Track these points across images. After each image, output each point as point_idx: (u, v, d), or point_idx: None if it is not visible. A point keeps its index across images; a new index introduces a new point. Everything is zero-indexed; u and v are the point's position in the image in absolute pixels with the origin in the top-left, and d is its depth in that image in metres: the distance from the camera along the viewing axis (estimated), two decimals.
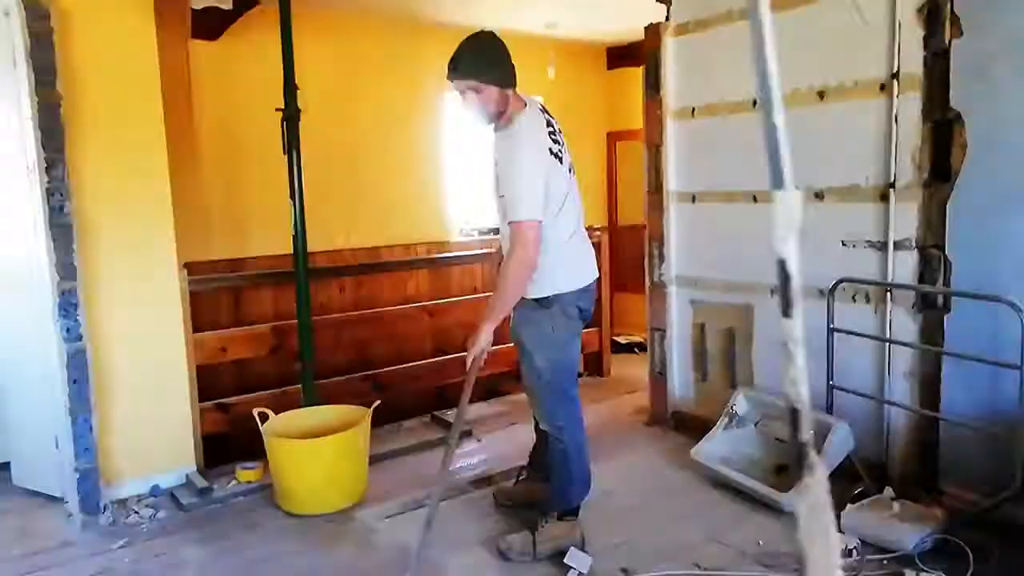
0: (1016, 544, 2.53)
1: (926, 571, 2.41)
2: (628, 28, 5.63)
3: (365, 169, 5.34)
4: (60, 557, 2.84)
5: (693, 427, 3.87)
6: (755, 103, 3.46)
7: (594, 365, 5.28)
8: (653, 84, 3.89)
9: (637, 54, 6.24)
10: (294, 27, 3.44)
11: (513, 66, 2.57)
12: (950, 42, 2.77)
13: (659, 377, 4.10)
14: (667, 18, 3.85)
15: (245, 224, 4.85)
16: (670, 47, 3.83)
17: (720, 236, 3.72)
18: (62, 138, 2.97)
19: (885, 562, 2.54)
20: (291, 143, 3.45)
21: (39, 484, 3.40)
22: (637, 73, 6.37)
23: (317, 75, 4.65)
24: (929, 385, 2.96)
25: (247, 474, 3.44)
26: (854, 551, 2.56)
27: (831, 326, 3.13)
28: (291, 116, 3.44)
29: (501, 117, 2.56)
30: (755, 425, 3.40)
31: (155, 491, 3.36)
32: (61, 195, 2.98)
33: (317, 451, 3.02)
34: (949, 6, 2.75)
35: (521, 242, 2.45)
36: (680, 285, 3.96)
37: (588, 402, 4.58)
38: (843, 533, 2.62)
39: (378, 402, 3.31)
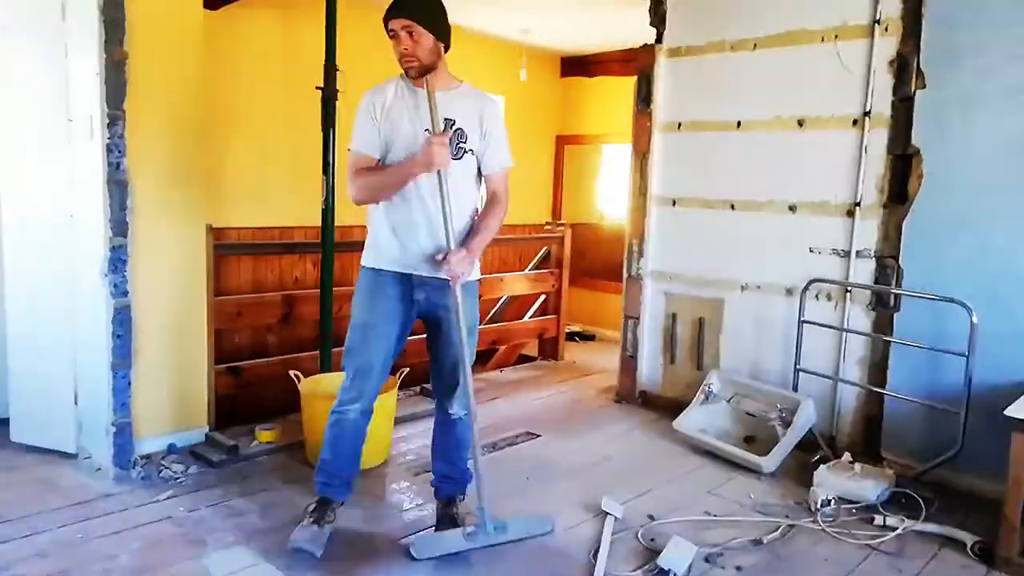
0: (951, 498, 3.19)
1: (891, 516, 3.01)
2: (586, 41, 6.12)
3: None
4: (110, 506, 2.89)
5: (660, 405, 4.40)
6: (739, 124, 4.02)
7: (550, 350, 5.70)
8: (644, 98, 4.36)
9: (589, 65, 6.78)
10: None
11: (450, 28, 2.56)
12: (915, 91, 3.42)
13: (630, 360, 4.58)
14: (658, 40, 4.33)
15: (228, 194, 4.87)
16: (662, 66, 4.31)
17: (698, 237, 4.25)
18: (124, 95, 3.01)
19: (854, 511, 3.12)
20: (327, 122, 3.61)
21: (47, 440, 3.36)
22: (588, 82, 6.91)
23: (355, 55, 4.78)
24: (878, 369, 3.61)
25: (266, 435, 3.57)
26: (831, 502, 3.13)
27: (801, 319, 3.72)
28: (329, 97, 3.61)
29: (428, 72, 2.47)
30: (728, 401, 3.94)
31: (172, 448, 3.42)
32: (120, 152, 3.02)
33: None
34: (915, 62, 3.40)
35: (507, 191, 2.66)
36: (655, 279, 4.46)
37: (554, 383, 5.05)
38: (819, 489, 3.19)
39: (407, 369, 3.55)
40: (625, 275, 4.57)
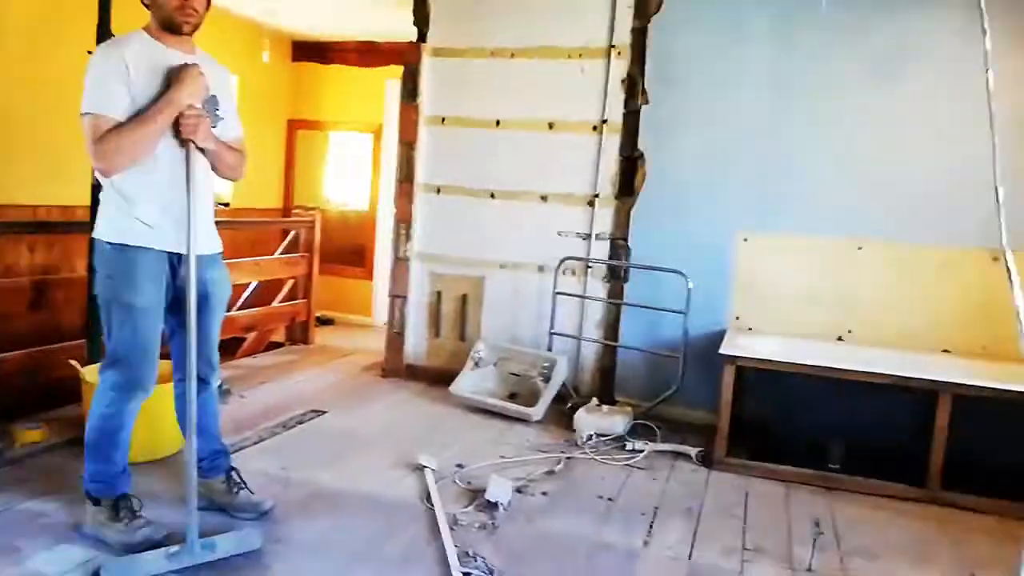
0: (674, 425, 4.11)
1: (637, 441, 3.80)
2: (328, 28, 6.24)
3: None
4: None
5: (427, 376, 4.80)
6: (498, 122, 4.58)
7: (301, 335, 5.74)
8: (411, 92, 4.70)
9: (327, 53, 6.89)
10: None
11: None
12: (641, 106, 4.28)
13: (396, 336, 4.90)
14: (422, 39, 4.69)
15: None
16: (427, 64, 4.69)
17: (461, 222, 4.72)
18: None
19: (608, 441, 3.86)
20: None
21: None
22: (321, 68, 6.97)
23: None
24: (612, 329, 4.44)
25: (31, 434, 3.21)
26: (592, 437, 3.84)
27: (556, 291, 4.41)
28: None
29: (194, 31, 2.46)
30: (494, 365, 4.49)
31: None
32: None
33: (167, 396, 3.07)
34: (641, 83, 4.27)
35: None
36: (422, 260, 4.84)
37: (315, 365, 5.17)
38: (581, 428, 3.88)
39: None
40: (392, 257, 4.87)
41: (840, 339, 4.08)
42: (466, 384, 4.38)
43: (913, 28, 3.90)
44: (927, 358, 3.77)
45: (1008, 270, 1.59)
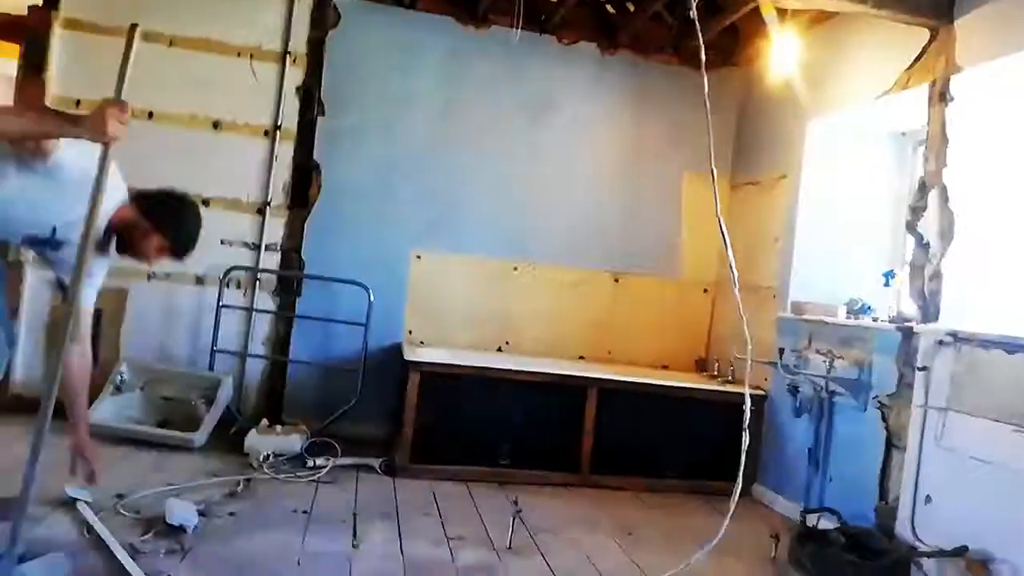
0: (351, 441, 3.98)
1: (318, 458, 3.61)
2: None
3: None
4: None
5: (21, 407, 3.89)
6: (151, 115, 4.07)
7: None
8: (36, 67, 3.91)
9: None
10: None
11: None
12: (317, 116, 4.21)
13: None
14: (51, 4, 3.96)
15: None
16: (58, 36, 3.97)
17: None
18: None
19: (286, 461, 3.60)
20: None
21: None
22: None
23: None
24: (282, 345, 4.19)
25: None
26: (269, 457, 3.55)
27: (220, 304, 4.01)
28: None
29: None
30: (141, 389, 3.87)
31: None
32: None
33: None
34: (318, 94, 4.21)
35: None
36: (39, 267, 3.98)
37: None
38: (257, 449, 3.56)
39: None
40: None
41: (500, 350, 4.46)
42: (107, 410, 3.70)
43: (556, 76, 4.54)
44: (571, 363, 4.34)
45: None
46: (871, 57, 3.59)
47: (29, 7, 3.94)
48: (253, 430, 3.73)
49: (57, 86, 3.99)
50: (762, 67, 4.47)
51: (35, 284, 3.99)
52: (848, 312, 3.64)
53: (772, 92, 4.29)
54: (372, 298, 4.03)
